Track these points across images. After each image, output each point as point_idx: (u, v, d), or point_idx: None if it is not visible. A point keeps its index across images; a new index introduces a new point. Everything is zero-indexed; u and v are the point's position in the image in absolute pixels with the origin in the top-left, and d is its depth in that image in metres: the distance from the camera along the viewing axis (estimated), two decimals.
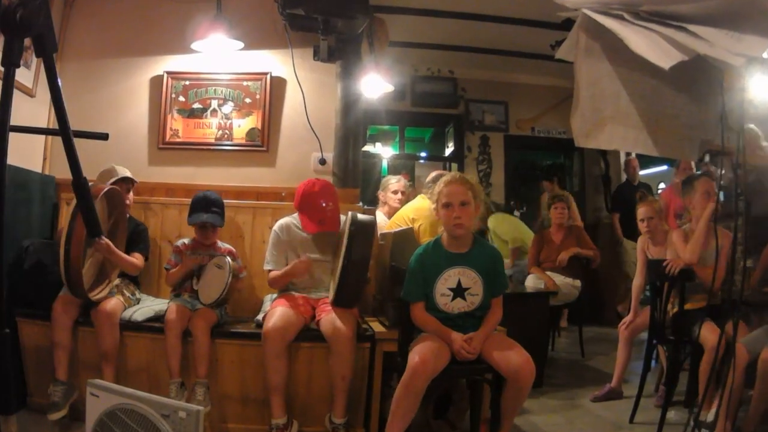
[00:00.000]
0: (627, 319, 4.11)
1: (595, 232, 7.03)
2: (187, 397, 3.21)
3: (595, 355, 5.42)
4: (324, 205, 3.44)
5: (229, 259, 3.40)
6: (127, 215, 3.60)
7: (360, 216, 3.19)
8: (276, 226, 3.54)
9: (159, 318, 3.38)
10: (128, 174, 3.69)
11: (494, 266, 2.91)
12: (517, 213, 7.66)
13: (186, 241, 3.61)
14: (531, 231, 6.36)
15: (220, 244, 3.64)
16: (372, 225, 3.20)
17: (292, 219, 3.56)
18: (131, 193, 3.73)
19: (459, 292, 2.84)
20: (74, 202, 2.96)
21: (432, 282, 2.85)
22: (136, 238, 3.59)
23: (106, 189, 3.18)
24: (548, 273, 5.29)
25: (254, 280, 3.93)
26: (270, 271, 3.45)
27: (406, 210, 4.20)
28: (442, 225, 2.92)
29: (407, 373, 2.60)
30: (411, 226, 3.94)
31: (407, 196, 4.70)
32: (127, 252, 3.48)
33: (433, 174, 4.28)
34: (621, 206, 6.73)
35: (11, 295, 3.33)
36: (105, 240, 3.16)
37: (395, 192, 4.69)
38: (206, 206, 3.56)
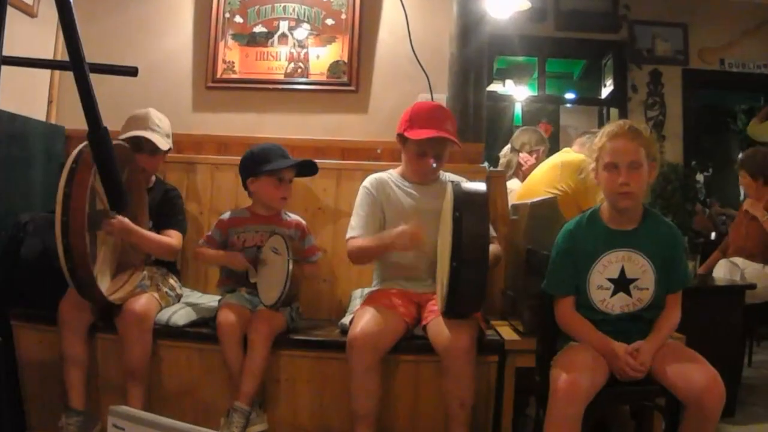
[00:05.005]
0: None
1: None
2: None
3: None
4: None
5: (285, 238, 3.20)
6: (153, 179, 3.53)
7: (464, 183, 3.08)
8: (366, 181, 3.45)
9: (207, 321, 3.28)
10: (162, 139, 3.49)
11: (672, 250, 2.80)
12: (700, 177, 7.60)
13: (228, 215, 3.48)
14: None
15: (285, 215, 3.49)
16: (483, 194, 3.06)
17: (389, 174, 3.48)
18: (153, 160, 3.52)
19: (622, 284, 2.77)
20: (67, 167, 2.80)
21: (585, 270, 2.78)
22: (168, 210, 3.49)
23: None
24: (738, 260, 5.13)
25: (338, 270, 3.84)
26: (352, 239, 3.30)
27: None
28: (603, 192, 2.84)
29: (553, 398, 2.55)
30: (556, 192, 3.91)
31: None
32: (157, 230, 3.38)
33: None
34: None
35: (4, 289, 3.28)
36: (118, 218, 3.03)
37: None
38: (284, 153, 3.47)
